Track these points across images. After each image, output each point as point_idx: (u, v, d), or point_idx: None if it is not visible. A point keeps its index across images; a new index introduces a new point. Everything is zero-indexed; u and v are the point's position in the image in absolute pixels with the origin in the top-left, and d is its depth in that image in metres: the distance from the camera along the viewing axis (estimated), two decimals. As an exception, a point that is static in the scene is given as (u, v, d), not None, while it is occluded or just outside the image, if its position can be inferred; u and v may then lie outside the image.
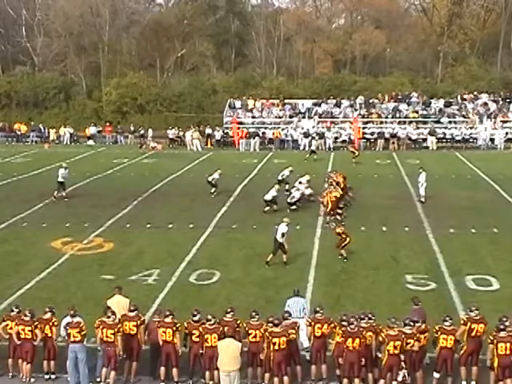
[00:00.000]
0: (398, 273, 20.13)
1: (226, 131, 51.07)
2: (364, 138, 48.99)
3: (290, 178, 30.83)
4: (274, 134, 49.48)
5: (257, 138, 48.75)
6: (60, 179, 30.56)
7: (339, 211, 26.71)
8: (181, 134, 51.51)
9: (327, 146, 47.94)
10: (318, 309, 14.19)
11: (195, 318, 13.91)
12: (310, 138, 48.36)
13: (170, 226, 25.80)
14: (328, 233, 24.34)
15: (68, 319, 14.14)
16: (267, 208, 27.58)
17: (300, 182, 29.56)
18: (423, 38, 68.95)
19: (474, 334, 13.59)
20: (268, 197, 27.64)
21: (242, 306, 16.03)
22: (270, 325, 13.55)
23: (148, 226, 25.83)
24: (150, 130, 53.01)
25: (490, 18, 68.76)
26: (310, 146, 47.82)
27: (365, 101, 53.53)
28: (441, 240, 23.38)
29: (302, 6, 75.71)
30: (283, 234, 20.93)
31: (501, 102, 52.71)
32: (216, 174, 31.08)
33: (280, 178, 30.56)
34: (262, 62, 69.27)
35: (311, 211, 27.91)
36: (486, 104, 52.25)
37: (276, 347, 13.38)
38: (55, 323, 14.13)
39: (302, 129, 49.65)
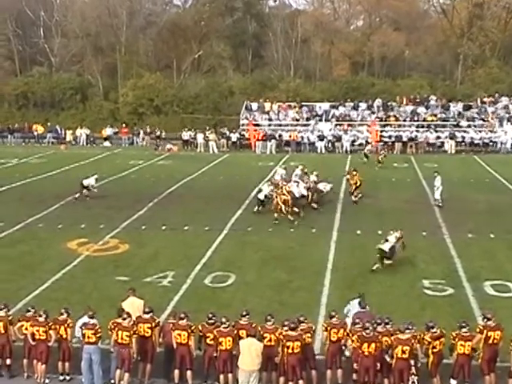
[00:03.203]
0: (415, 277, 20.07)
1: (242, 133, 51.17)
2: (382, 141, 48.91)
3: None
4: (290, 136, 49.51)
5: (273, 140, 48.80)
6: (85, 183, 30.88)
7: (296, 210, 26.85)
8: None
9: (344, 149, 47.93)
10: (333, 313, 14.20)
11: (210, 321, 13.96)
12: (325, 140, 48.42)
13: (186, 228, 25.88)
14: (345, 236, 24.37)
15: (85, 319, 14.22)
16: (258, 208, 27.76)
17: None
18: (443, 39, 68.58)
19: (490, 341, 13.53)
20: (261, 196, 27.83)
21: (256, 309, 16.05)
22: (286, 328, 13.57)
23: (163, 227, 25.92)
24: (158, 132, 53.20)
25: (512, 20, 68.35)
26: (326, 149, 47.99)
27: (383, 104, 53.49)
28: (459, 245, 23.29)
29: (319, 7, 75.57)
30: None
31: (522, 106, 52.45)
32: (92, 178, 31.16)
33: (294, 177, 30.49)
34: (279, 63, 69.26)
35: (327, 214, 27.91)
36: (506, 107, 52.00)
37: (290, 351, 13.41)
38: (70, 324, 14.22)
39: (319, 131, 49.64)
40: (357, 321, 13.93)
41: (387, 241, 20.52)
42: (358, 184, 30.15)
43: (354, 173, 30.58)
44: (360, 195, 30.42)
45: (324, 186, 29.59)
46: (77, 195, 30.79)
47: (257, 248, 23.27)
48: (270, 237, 24.55)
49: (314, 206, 28.47)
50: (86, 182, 30.94)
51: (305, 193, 28.22)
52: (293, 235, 24.74)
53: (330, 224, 26.30)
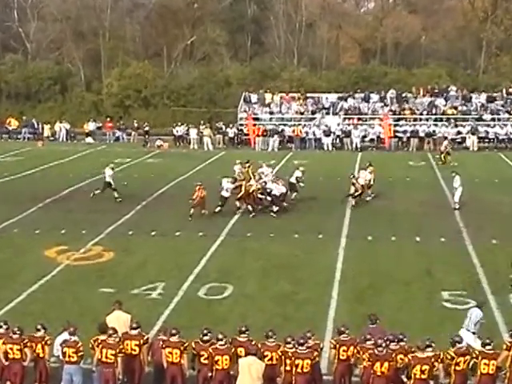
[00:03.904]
0: (433, 289, 20.05)
1: (240, 128, 51.18)
2: (396, 136, 48.91)
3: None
4: (293, 131, 49.55)
5: (276, 136, 48.83)
6: (108, 179, 31.27)
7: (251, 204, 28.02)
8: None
9: (354, 146, 47.96)
10: (342, 329, 14.16)
11: (205, 338, 13.94)
12: (332, 136, 48.45)
13: (177, 233, 25.87)
14: (355, 242, 24.38)
15: (65, 336, 14.20)
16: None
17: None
18: (463, 24, 68.70)
19: (518, 359, 13.52)
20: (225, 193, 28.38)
21: (256, 324, 16.06)
22: (289, 346, 13.55)
23: (153, 233, 25.91)
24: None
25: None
26: (333, 146, 48.01)
27: (397, 95, 53.57)
28: (482, 252, 23.27)
29: (326, -13, 75.78)
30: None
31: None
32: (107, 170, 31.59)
33: (293, 180, 30.43)
34: (281, 50, 69.39)
35: (335, 218, 27.94)
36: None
37: (299, 370, 13.37)
38: (48, 342, 14.17)
39: (326, 126, 49.69)
40: (368, 337, 13.91)
41: None
42: (371, 183, 30.47)
43: (372, 168, 30.92)
44: (373, 195, 30.54)
45: (277, 188, 29.15)
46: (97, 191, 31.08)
47: (257, 256, 23.26)
48: (271, 243, 24.56)
49: (249, 208, 28.56)
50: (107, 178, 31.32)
51: (283, 190, 28.78)
52: (297, 241, 24.75)
53: (339, 229, 26.31)
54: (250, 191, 28.16)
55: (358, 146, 47.89)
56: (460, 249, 23.91)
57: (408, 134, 48.68)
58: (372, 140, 49.10)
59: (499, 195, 32.12)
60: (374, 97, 53.68)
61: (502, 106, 51.98)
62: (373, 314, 15.03)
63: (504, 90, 53.83)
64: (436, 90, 54.08)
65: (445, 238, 24.98)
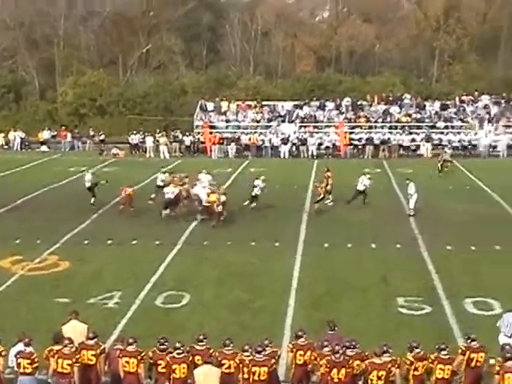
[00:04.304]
0: (389, 295, 20.19)
1: (196, 136, 51.11)
2: (351, 144, 49.26)
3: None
4: (250, 139, 49.62)
5: (233, 144, 48.86)
6: (87, 184, 31.63)
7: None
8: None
9: (310, 153, 48.16)
10: (300, 333, 14.20)
11: (162, 347, 13.87)
12: (289, 144, 48.61)
13: (134, 242, 25.72)
14: (311, 249, 24.47)
15: (20, 347, 14.02)
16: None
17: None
18: (417, 33, 69.51)
19: (473, 364, 13.64)
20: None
21: (214, 332, 16.00)
22: (246, 354, 13.55)
23: (109, 242, 25.73)
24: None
25: (491, 11, 69.50)
26: (290, 154, 48.19)
27: (352, 103, 53.95)
28: (437, 258, 23.50)
29: (281, -4, 76.15)
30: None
31: (503, 105, 53.40)
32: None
33: (256, 193, 30.28)
34: (237, 59, 69.54)
35: (292, 226, 28.00)
36: (486, 106, 52.85)
37: (256, 377, 13.36)
38: (3, 353, 13.97)
39: (282, 134, 49.85)
40: (325, 343, 13.96)
41: None
42: (329, 188, 30.37)
43: (329, 174, 30.70)
44: (332, 202, 30.64)
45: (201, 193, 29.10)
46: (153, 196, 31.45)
47: (214, 264, 23.21)
48: (228, 251, 24.54)
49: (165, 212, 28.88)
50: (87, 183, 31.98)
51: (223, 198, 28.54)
52: (254, 249, 24.76)
53: (295, 237, 26.37)
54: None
55: (314, 153, 48.11)
56: (415, 255, 24.12)
57: (363, 142, 49.06)
58: (327, 148, 49.33)
59: (453, 202, 32.48)
60: (330, 105, 54.00)
61: (455, 113, 52.67)
62: (331, 320, 15.08)
63: (457, 98, 54.57)
64: (390, 98, 54.58)
65: (400, 245, 25.19)
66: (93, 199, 31.31)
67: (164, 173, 32.89)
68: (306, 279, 21.63)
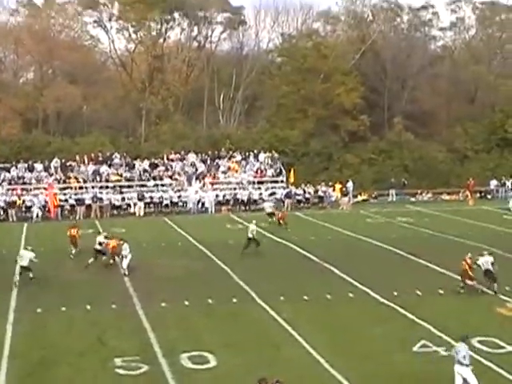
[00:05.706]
0: (106, 357, 19.84)
1: None
2: (60, 206, 48.23)
3: None
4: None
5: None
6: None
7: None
8: None
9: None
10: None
11: None
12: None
13: None
14: (24, 316, 23.50)
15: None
16: None
17: None
18: (123, 93, 70.35)
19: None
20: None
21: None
22: None
23: None
24: None
25: (193, 74, 72.36)
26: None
27: (61, 164, 53.19)
28: (152, 316, 23.61)
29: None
30: None
31: (209, 162, 55.59)
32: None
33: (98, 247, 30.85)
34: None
35: (0, 294, 26.66)
36: (193, 164, 54.69)
37: None
38: None
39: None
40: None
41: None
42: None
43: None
44: None
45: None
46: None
47: None
48: None
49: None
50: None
51: None
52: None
53: (6, 305, 25.14)
54: None
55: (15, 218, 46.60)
56: (131, 314, 24.04)
57: (74, 202, 48.39)
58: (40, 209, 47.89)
59: (167, 259, 33.04)
60: (38, 166, 52.86)
61: (164, 171, 53.82)
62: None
63: (165, 156, 55.90)
64: (100, 158, 54.54)
65: (116, 305, 24.98)
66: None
67: None
68: (19, 347, 20.67)
